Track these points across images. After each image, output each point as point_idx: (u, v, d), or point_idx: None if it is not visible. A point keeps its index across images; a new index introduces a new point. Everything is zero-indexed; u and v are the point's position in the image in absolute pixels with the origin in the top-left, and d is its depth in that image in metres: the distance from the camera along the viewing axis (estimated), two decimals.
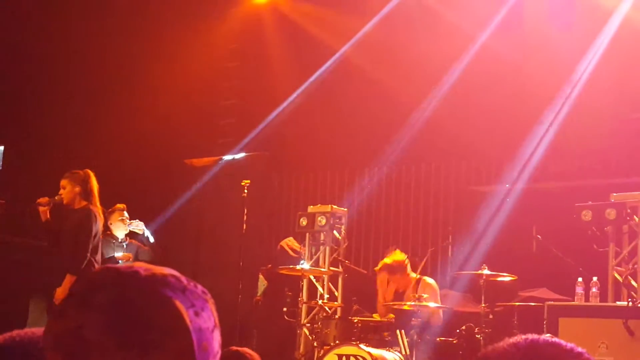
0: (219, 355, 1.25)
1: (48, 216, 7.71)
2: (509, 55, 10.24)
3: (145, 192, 10.96)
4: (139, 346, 1.16)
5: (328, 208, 9.48)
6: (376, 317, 8.82)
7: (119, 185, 10.94)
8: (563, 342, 1.23)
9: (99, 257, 7.73)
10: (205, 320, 1.23)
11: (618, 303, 7.56)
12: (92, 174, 7.70)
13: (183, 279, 1.25)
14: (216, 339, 1.25)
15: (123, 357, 1.16)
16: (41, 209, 7.69)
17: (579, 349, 1.22)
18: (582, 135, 9.91)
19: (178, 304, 1.20)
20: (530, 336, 1.27)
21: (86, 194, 7.65)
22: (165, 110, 11.47)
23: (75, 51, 11.31)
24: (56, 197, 7.71)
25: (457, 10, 10.49)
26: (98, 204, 7.69)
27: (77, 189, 7.66)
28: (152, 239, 9.44)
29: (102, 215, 7.77)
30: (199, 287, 1.27)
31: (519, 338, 1.26)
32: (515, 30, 10.39)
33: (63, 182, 7.72)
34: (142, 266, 1.24)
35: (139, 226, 9.28)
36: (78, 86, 11.41)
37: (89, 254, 7.55)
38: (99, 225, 7.68)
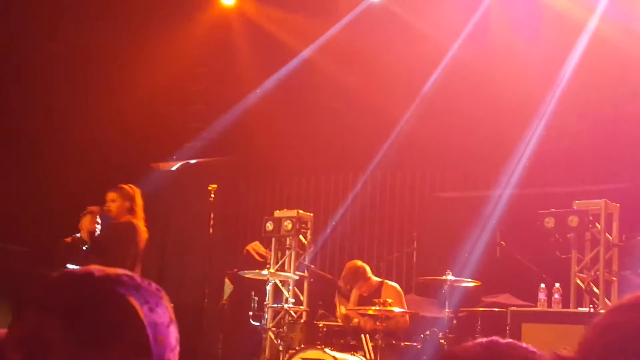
0: (176, 350, 1.29)
1: (95, 225, 7.83)
2: (477, 64, 10.35)
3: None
4: (96, 343, 1.20)
5: (294, 213, 9.52)
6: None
7: (84, 188, 10.90)
8: (518, 342, 1.34)
9: (137, 270, 7.82)
10: (160, 316, 1.27)
11: (580, 309, 7.67)
12: (138, 191, 8.00)
13: (137, 277, 1.30)
14: (172, 333, 1.29)
15: (81, 354, 1.20)
16: (90, 216, 7.90)
17: (533, 349, 1.33)
18: (546, 143, 10.04)
19: (132, 300, 1.24)
20: (492, 337, 1.37)
21: (132, 209, 7.92)
22: (132, 113, 11.43)
23: (42, 51, 11.23)
24: (104, 208, 7.94)
25: (425, 18, 10.58)
26: (142, 219, 7.92)
27: (127, 204, 7.93)
28: None
29: (145, 229, 7.93)
30: (153, 285, 1.31)
31: (482, 339, 1.36)
32: (483, 39, 10.50)
33: (112, 196, 7.99)
34: (96, 268, 1.28)
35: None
36: (45, 87, 11.32)
37: (126, 267, 7.63)
38: (140, 240, 7.86)
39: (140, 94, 11.44)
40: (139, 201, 7.97)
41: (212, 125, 11.92)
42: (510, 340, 1.35)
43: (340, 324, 8.62)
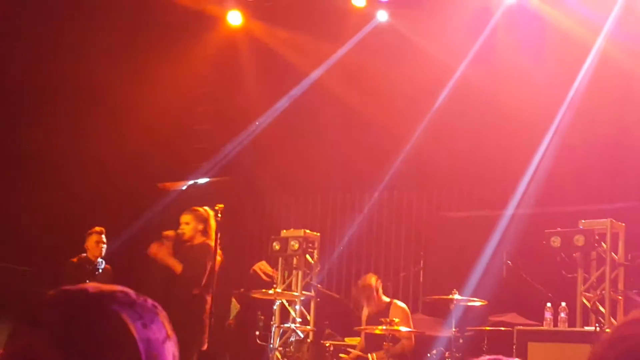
0: None
1: (171, 250, 7.95)
2: (483, 84, 10.39)
3: (117, 215, 10.95)
4: (86, 359, 1.21)
5: (301, 232, 9.53)
6: (348, 341, 8.87)
7: (91, 208, 10.95)
8: None
9: (210, 289, 7.93)
10: (154, 332, 1.27)
11: (586, 328, 7.66)
12: (212, 214, 8.01)
13: (132, 294, 1.30)
14: (169, 349, 1.29)
15: None
16: (166, 242, 7.97)
17: None
18: (552, 163, 10.06)
19: (124, 317, 1.25)
20: (495, 356, 1.36)
21: (206, 231, 7.98)
22: (139, 133, 11.49)
23: (48, 71, 11.31)
24: (178, 232, 7.98)
25: (431, 39, 10.64)
26: (215, 241, 7.96)
27: (201, 226, 7.99)
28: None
29: (220, 251, 7.99)
30: (149, 301, 1.31)
31: (487, 357, 1.35)
32: (489, 60, 10.54)
33: (186, 218, 8.05)
34: (92, 285, 1.29)
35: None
36: (50, 107, 11.39)
37: (201, 288, 7.84)
38: (214, 261, 7.94)
39: (147, 114, 11.50)
40: (213, 223, 7.98)
41: (219, 146, 11.97)
42: (515, 359, 1.36)
43: (348, 342, 8.63)
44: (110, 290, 1.29)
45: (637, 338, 1.25)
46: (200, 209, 8.07)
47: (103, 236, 9.34)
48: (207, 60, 12.01)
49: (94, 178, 11.45)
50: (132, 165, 11.70)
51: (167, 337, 1.30)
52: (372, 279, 8.70)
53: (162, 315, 1.32)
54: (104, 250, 9.33)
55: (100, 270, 9.27)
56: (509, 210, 10.12)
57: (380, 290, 8.67)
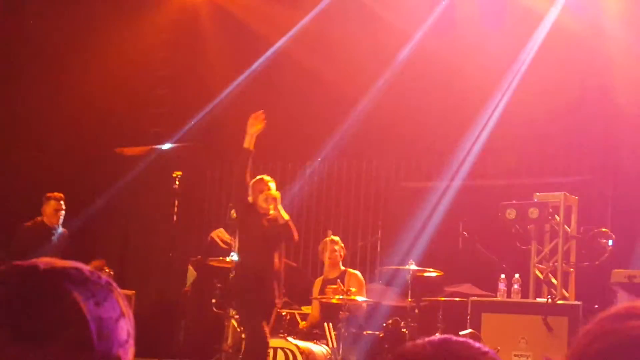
0: (128, 345, 1.28)
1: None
2: (443, 54, 10.42)
3: (74, 180, 10.85)
4: (34, 338, 1.18)
5: None
6: (305, 309, 8.93)
7: (47, 173, 10.84)
8: (472, 341, 1.34)
9: None
10: (107, 310, 1.25)
11: (538, 300, 7.79)
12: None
13: (86, 270, 1.27)
14: (122, 328, 1.27)
15: (19, 350, 1.18)
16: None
17: (486, 349, 1.33)
18: (509, 135, 10.16)
19: (76, 295, 1.23)
20: (444, 335, 1.37)
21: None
22: (96, 97, 11.36)
23: (9, 36, 11.14)
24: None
25: (392, 9, 10.63)
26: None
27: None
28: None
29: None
30: (104, 278, 1.29)
31: (435, 337, 1.36)
32: (449, 30, 10.56)
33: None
34: (44, 261, 1.27)
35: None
36: (9, 71, 11.22)
37: None
38: None
39: (104, 78, 11.37)
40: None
41: (179, 111, 11.88)
42: (464, 339, 1.35)
43: (304, 311, 8.70)
44: (62, 267, 1.26)
45: (620, 334, 1.26)
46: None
47: (62, 203, 9.20)
48: (167, 25, 11.89)
49: (52, 143, 11.32)
50: (90, 129, 11.58)
51: (122, 314, 1.28)
52: (339, 241, 8.83)
53: (117, 293, 1.29)
54: (62, 218, 9.20)
55: (56, 236, 9.17)
56: (466, 182, 10.21)
57: (338, 248, 8.76)
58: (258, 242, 7.58)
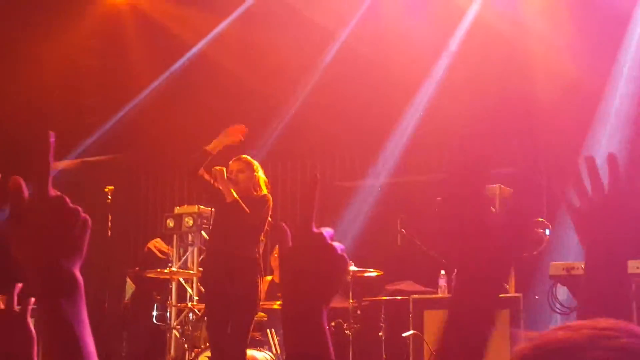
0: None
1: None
2: (369, 51, 10.42)
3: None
4: None
5: (195, 209, 9.44)
6: None
7: None
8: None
9: None
10: None
11: None
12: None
13: None
14: None
15: None
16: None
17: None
18: (442, 129, 10.21)
19: None
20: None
21: (259, 184, 7.41)
22: (23, 109, 11.11)
23: None
24: (230, 177, 7.30)
25: (316, 7, 10.59)
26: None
27: (255, 178, 7.38)
28: None
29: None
30: None
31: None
32: (374, 26, 10.58)
33: (239, 166, 7.41)
34: None
35: None
36: None
37: None
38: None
39: (28, 89, 11.12)
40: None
41: (106, 123, 11.68)
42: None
43: None
44: None
45: (567, 343, 1.09)
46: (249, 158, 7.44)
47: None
48: (91, 33, 11.67)
49: None
50: (16, 141, 11.29)
51: None
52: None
53: None
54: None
55: None
56: (401, 178, 10.24)
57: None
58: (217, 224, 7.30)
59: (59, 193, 1.26)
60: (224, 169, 7.15)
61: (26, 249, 1.22)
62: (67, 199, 1.26)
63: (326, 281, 1.48)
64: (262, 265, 7.23)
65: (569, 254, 7.88)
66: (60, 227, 1.24)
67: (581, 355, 0.89)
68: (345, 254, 1.53)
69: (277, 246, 6.82)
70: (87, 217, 1.28)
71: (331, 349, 1.31)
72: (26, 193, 1.25)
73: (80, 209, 1.28)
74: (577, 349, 0.90)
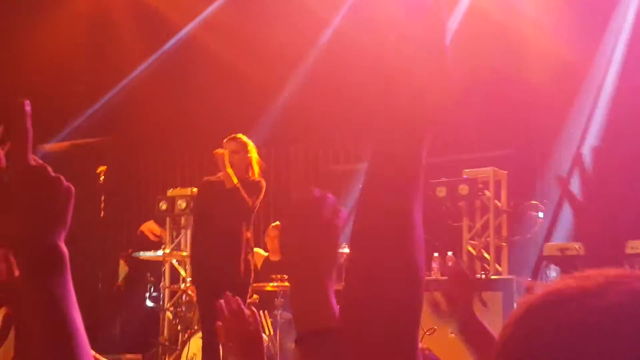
0: None
1: None
2: (362, 36, 10.37)
3: None
4: None
5: (188, 191, 9.42)
6: None
7: None
8: None
9: None
10: None
11: None
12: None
13: None
14: None
15: None
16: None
17: None
18: None
19: None
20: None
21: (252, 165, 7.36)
22: (11, 91, 11.05)
23: None
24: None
25: None
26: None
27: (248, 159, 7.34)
28: None
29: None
30: None
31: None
32: (368, 9, 10.53)
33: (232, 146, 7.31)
34: None
35: None
36: None
37: None
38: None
39: (19, 72, 11.06)
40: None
41: (96, 104, 11.63)
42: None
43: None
44: None
45: (577, 289, 1.07)
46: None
47: None
48: (80, 16, 11.60)
49: None
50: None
51: None
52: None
53: None
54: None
55: None
56: None
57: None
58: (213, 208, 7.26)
59: (40, 161, 1.22)
60: (226, 152, 7.13)
61: (6, 221, 1.18)
62: (48, 167, 1.22)
63: (322, 253, 1.48)
64: (252, 246, 7.27)
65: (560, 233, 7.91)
66: (42, 198, 1.20)
67: (593, 301, 0.88)
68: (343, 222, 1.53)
69: (271, 225, 6.85)
70: (71, 186, 1.24)
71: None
72: (3, 162, 1.19)
73: (62, 177, 1.23)
74: (588, 296, 0.89)
